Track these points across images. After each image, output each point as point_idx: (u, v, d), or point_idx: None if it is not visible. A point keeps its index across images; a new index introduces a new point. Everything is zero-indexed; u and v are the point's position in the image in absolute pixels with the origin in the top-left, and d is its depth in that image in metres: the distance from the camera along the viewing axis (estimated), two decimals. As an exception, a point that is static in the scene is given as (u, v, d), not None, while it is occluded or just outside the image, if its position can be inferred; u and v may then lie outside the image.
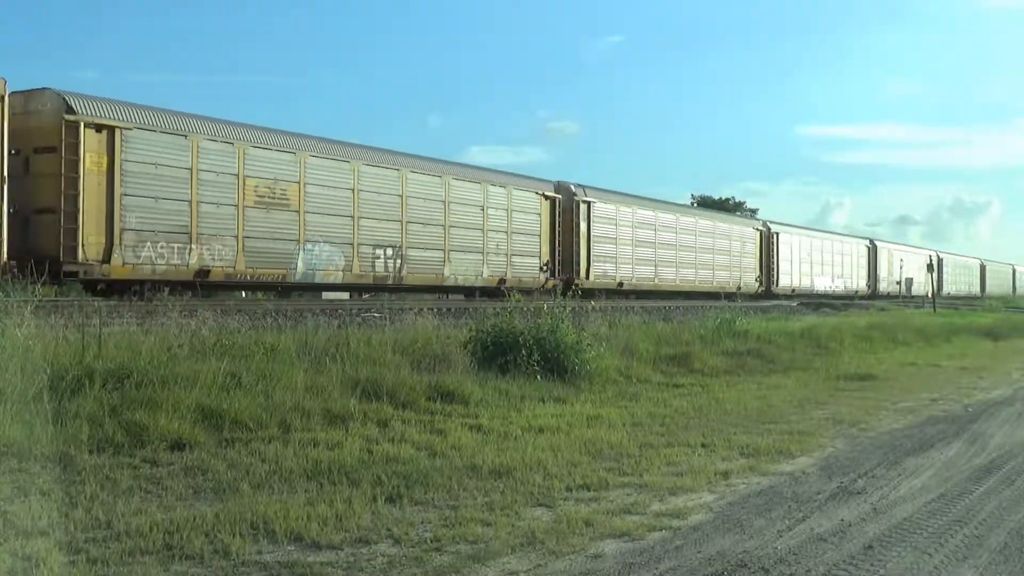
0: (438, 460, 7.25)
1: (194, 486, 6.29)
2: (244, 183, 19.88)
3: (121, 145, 17.76)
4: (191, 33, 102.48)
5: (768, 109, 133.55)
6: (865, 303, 43.15)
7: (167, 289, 16.49)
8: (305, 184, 21.35)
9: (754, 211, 67.98)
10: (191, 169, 18.99)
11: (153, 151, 18.41)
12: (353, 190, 22.63)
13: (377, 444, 7.74)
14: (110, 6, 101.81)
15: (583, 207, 30.44)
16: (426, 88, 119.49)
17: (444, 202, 25.40)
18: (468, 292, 26.44)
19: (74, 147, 17.00)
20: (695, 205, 60.27)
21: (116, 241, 17.66)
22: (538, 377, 11.64)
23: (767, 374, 14.99)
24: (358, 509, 5.74)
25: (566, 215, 29.77)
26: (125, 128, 17.92)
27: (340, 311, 18.45)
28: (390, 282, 22.65)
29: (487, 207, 26.83)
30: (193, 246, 18.92)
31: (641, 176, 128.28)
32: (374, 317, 18.00)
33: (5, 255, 15.64)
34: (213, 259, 19.32)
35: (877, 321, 27.06)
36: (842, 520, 5.89)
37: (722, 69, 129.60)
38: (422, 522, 5.61)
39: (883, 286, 53.06)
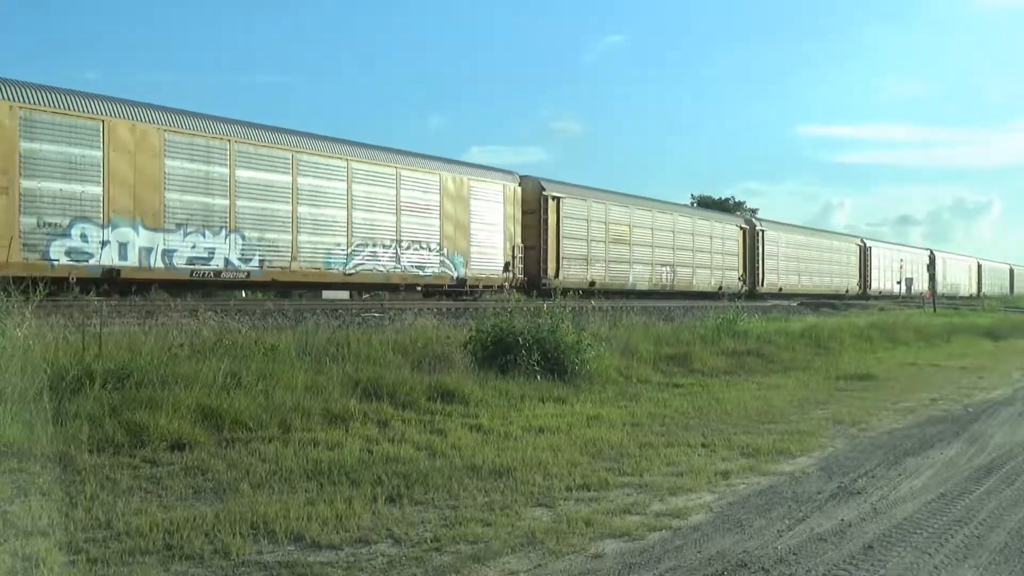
0: (438, 460, 7.25)
1: (194, 486, 6.29)
2: (607, 228, 31.60)
3: (562, 208, 29.32)
4: (191, 33, 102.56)
5: (768, 109, 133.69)
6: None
7: (571, 291, 27.85)
8: (632, 226, 33.09)
9: (754, 211, 68.21)
10: (586, 220, 30.49)
11: (573, 210, 29.98)
12: (652, 229, 34.23)
13: (377, 444, 7.74)
14: (111, 5, 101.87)
15: (759, 234, 41.92)
16: (426, 88, 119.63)
17: (692, 234, 36.96)
18: (701, 296, 36.31)
19: (545, 210, 28.60)
20: (695, 205, 60.85)
21: (560, 265, 29.06)
22: (538, 377, 11.64)
23: (767, 374, 14.99)
24: (358, 509, 5.74)
25: (751, 240, 41.39)
26: (564, 197, 29.59)
27: (340, 311, 18.50)
28: (668, 289, 34.28)
29: (712, 236, 38.53)
30: (587, 266, 30.43)
31: (641, 176, 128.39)
32: (374, 317, 18.01)
33: (522, 273, 27.77)
34: (595, 274, 30.59)
35: (877, 321, 27.07)
36: (842, 520, 5.89)
37: (722, 69, 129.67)
38: (422, 522, 5.61)
39: (939, 288, 60.15)
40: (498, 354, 11.95)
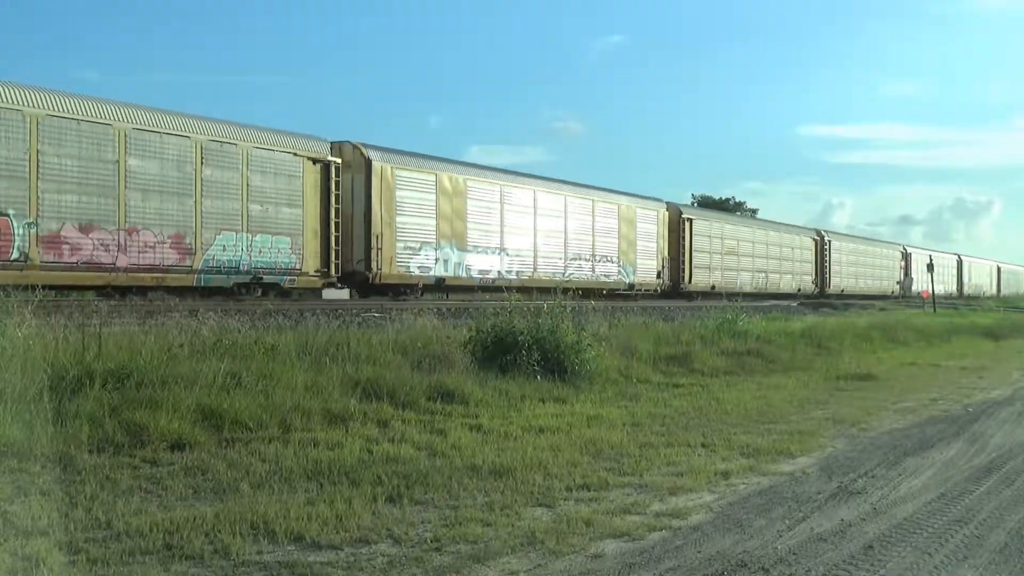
0: (438, 460, 7.25)
1: (194, 486, 6.28)
2: (723, 243, 39.24)
3: (693, 228, 36.98)
4: (190, 33, 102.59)
5: (768, 109, 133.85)
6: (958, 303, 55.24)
7: (700, 295, 36.04)
8: (739, 240, 40.64)
9: (754, 211, 68.40)
10: (708, 236, 38.15)
11: (701, 228, 37.67)
12: (752, 242, 41.94)
13: (377, 444, 7.74)
14: (109, 6, 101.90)
15: (828, 243, 48.77)
16: (426, 87, 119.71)
17: (779, 246, 44.51)
18: (786, 296, 43.53)
19: (682, 230, 36.15)
20: (695, 205, 61.13)
21: (692, 272, 36.66)
22: (538, 377, 11.63)
23: (767, 374, 14.98)
24: (358, 509, 5.74)
25: (820, 249, 47.93)
26: (695, 219, 37.58)
27: (340, 311, 18.51)
28: (763, 291, 41.14)
29: (792, 247, 45.73)
30: (710, 273, 37.93)
31: (642, 176, 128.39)
32: (374, 317, 18.00)
33: (668, 279, 35.01)
34: (715, 280, 38.26)
35: (877, 321, 27.07)
36: (842, 520, 5.89)
37: (722, 69, 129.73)
38: (422, 522, 5.60)
39: (966, 290, 68.47)
40: (498, 354, 11.94)
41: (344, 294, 23.82)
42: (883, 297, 52.34)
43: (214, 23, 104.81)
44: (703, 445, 8.36)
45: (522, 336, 12.04)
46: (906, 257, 59.14)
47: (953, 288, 65.70)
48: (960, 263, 68.98)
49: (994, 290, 77.01)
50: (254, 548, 5.01)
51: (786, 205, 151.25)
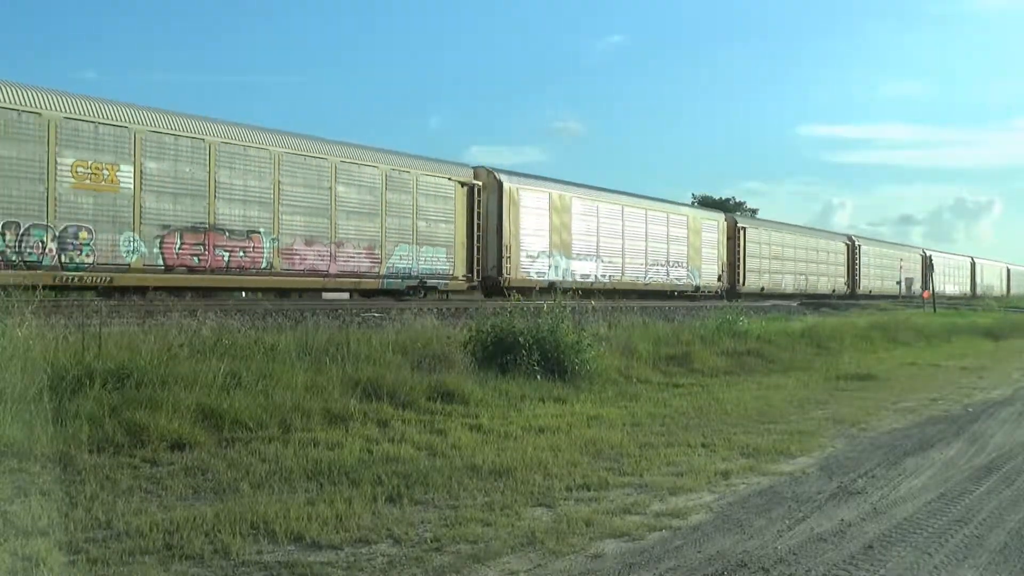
0: (438, 460, 7.24)
1: (194, 486, 6.29)
2: (771, 248, 43.37)
3: (746, 236, 41.27)
4: (190, 33, 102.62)
5: (768, 109, 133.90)
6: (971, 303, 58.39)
7: (752, 296, 39.43)
8: (784, 246, 44.64)
9: (754, 211, 68.41)
10: (758, 243, 42.05)
11: (752, 236, 41.61)
12: (795, 248, 45.92)
13: (377, 444, 7.74)
14: (108, 6, 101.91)
15: (858, 248, 52.82)
16: (426, 87, 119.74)
17: (818, 250, 48.62)
18: (822, 296, 47.10)
19: (738, 237, 40.49)
20: (695, 205, 61.27)
21: (746, 275, 40.77)
22: (538, 377, 11.63)
23: (767, 374, 14.98)
24: (358, 509, 5.74)
25: (851, 253, 52.11)
26: (747, 228, 41.94)
27: (340, 311, 18.52)
28: (803, 291, 45.17)
29: (828, 251, 49.79)
30: (759, 276, 41.80)
31: (642, 176, 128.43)
32: (374, 317, 18.00)
33: (727, 282, 38.95)
34: (764, 282, 42.12)
35: (877, 321, 27.05)
36: (842, 520, 5.89)
37: (722, 69, 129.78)
38: (422, 522, 5.60)
39: (979, 290, 72.01)
40: (498, 354, 11.94)
41: (344, 295, 23.92)
42: (905, 296, 55.38)
43: (214, 23, 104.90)
44: (703, 445, 8.36)
45: (522, 336, 12.04)
46: (926, 259, 62.32)
47: (967, 288, 69.33)
48: (973, 265, 72.63)
49: (1004, 290, 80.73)
50: (254, 548, 5.01)
51: (786, 205, 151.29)
